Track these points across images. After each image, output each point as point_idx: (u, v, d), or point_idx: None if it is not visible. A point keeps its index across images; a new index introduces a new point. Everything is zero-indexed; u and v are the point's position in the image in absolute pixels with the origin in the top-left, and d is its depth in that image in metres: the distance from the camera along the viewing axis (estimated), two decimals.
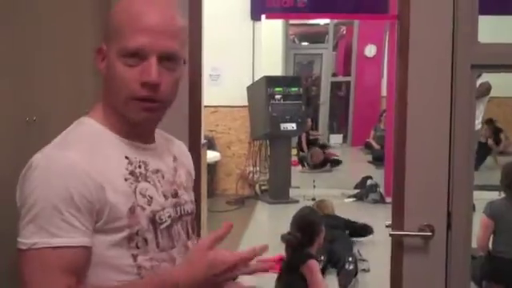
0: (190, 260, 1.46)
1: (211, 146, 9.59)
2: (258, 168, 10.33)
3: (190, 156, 1.87)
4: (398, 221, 2.41)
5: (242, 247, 7.02)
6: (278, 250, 6.49)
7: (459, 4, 2.31)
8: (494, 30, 4.67)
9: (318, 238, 4.31)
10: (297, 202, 9.05)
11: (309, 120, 13.34)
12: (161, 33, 1.51)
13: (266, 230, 8.78)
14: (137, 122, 1.56)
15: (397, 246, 2.42)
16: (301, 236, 4.24)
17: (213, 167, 9.62)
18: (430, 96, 2.36)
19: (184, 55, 1.59)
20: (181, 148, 1.84)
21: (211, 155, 9.01)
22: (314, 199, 8.76)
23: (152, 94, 1.51)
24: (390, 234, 2.43)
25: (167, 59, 1.53)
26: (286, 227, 7.75)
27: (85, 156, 1.48)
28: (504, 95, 11.71)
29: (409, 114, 2.37)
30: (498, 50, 2.41)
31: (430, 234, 2.36)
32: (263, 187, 10.11)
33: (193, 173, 1.86)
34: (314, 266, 4.12)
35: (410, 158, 2.38)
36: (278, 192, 9.51)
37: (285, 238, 4.36)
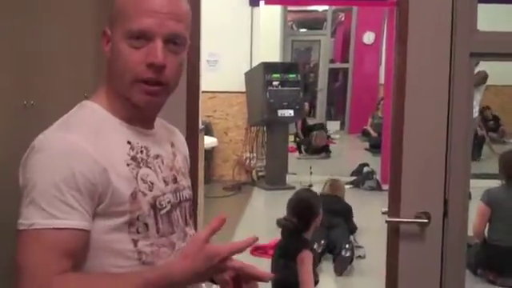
0: (188, 254, 1.46)
1: (208, 131, 9.58)
2: (254, 154, 10.34)
3: (185, 143, 1.87)
4: (394, 208, 2.41)
5: (239, 233, 7.05)
6: (274, 236, 6.53)
7: None
8: (493, 18, 4.68)
9: (315, 222, 4.27)
10: (293, 188, 9.04)
11: (306, 104, 13.36)
12: (167, 15, 1.51)
13: (263, 216, 8.79)
14: (141, 105, 1.55)
15: (393, 233, 2.43)
16: (297, 220, 4.20)
17: (210, 153, 9.62)
18: (428, 83, 2.36)
19: (188, 39, 1.59)
20: (177, 134, 1.84)
21: (208, 141, 9.01)
22: (310, 185, 8.77)
23: (157, 76, 1.51)
24: (387, 221, 2.44)
25: (173, 42, 1.53)
26: (282, 213, 7.78)
27: (88, 139, 1.47)
28: (501, 83, 11.73)
29: (407, 102, 2.37)
30: (497, 39, 2.40)
31: (426, 221, 2.37)
32: (260, 173, 10.12)
33: (188, 160, 1.86)
34: (307, 257, 4.08)
35: (407, 146, 2.38)
36: (274, 178, 9.52)
37: (281, 223, 4.32)
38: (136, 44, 1.50)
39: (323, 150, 12.41)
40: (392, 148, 2.43)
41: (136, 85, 1.51)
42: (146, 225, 1.53)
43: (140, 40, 1.50)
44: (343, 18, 17.47)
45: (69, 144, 1.45)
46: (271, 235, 6.62)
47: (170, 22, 1.51)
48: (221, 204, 8.67)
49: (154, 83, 1.52)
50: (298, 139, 12.66)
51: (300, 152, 12.36)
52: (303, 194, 4.68)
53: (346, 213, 6.67)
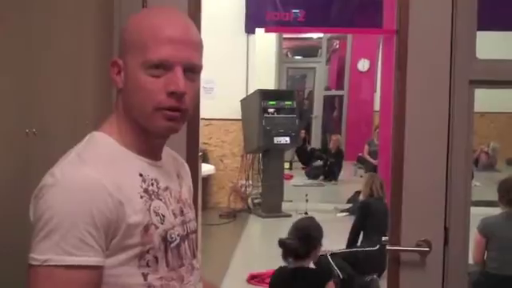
0: None
1: (205, 159, 9.59)
2: (250, 181, 10.34)
3: (189, 173, 1.86)
4: (394, 236, 2.40)
5: (234, 261, 7.01)
6: (270, 265, 6.49)
7: (458, 19, 2.32)
8: (492, 45, 4.70)
9: (315, 251, 4.27)
10: (289, 216, 9.04)
11: (302, 132, 13.45)
12: (185, 44, 1.52)
13: (259, 243, 8.78)
14: (162, 131, 1.55)
15: (394, 261, 2.41)
16: (299, 245, 4.19)
17: (206, 180, 9.61)
18: (427, 111, 2.36)
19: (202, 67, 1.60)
20: (183, 164, 1.83)
21: (205, 168, 9.01)
22: (306, 213, 8.74)
23: (178, 103, 1.51)
24: (387, 249, 2.43)
25: (190, 70, 1.53)
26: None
27: (103, 172, 1.45)
28: (497, 110, 11.79)
29: (406, 129, 2.37)
30: (496, 66, 2.41)
31: (427, 249, 2.35)
32: (256, 201, 10.11)
33: (192, 190, 1.85)
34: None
35: (407, 173, 2.38)
36: (270, 206, 9.50)
37: (283, 243, 4.30)
38: (155, 73, 1.50)
39: (337, 155, 12.52)
40: (392, 176, 2.42)
41: (158, 112, 1.51)
42: (156, 258, 1.51)
43: (159, 69, 1.50)
44: (338, 46, 17.58)
45: (85, 178, 1.43)
46: (268, 263, 6.60)
47: (188, 51, 1.52)
48: (217, 231, 8.65)
49: (175, 110, 1.52)
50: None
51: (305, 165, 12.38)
52: (306, 224, 4.66)
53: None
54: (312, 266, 4.28)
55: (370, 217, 6.36)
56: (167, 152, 1.71)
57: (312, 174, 13.06)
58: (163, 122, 1.52)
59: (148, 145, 1.59)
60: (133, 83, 1.52)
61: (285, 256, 4.28)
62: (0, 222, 1.66)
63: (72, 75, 2.06)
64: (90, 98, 2.07)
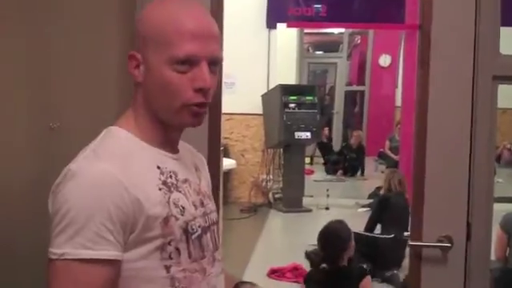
0: None
1: (226, 153, 9.60)
2: (271, 176, 10.34)
3: (206, 166, 1.87)
4: (416, 231, 2.39)
5: (255, 255, 7.03)
6: (290, 259, 6.51)
7: (481, 15, 2.31)
8: None
9: (347, 252, 4.30)
10: (310, 210, 9.05)
11: (326, 129, 13.49)
12: (208, 38, 1.52)
13: (280, 238, 8.78)
14: (186, 126, 1.57)
15: (415, 257, 2.40)
16: (330, 251, 4.24)
17: (227, 175, 9.63)
18: (450, 107, 2.35)
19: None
20: (200, 158, 1.84)
21: (226, 163, 9.02)
22: (327, 208, 8.74)
23: (205, 99, 1.52)
24: (409, 245, 2.42)
25: (213, 63, 1.53)
26: (299, 236, 7.78)
27: (119, 167, 1.46)
28: None
29: (429, 125, 2.35)
30: None
31: (448, 245, 2.34)
32: (276, 195, 10.11)
33: (210, 183, 1.85)
34: (368, 283, 4.15)
35: (430, 169, 2.37)
36: (291, 200, 9.51)
37: (310, 257, 4.38)
38: (181, 69, 1.49)
39: (359, 151, 12.56)
40: (414, 171, 2.41)
41: (185, 109, 1.51)
42: (178, 250, 1.52)
43: (185, 65, 1.50)
44: (359, 41, 17.51)
45: (101, 173, 1.43)
46: (288, 258, 6.62)
47: (212, 45, 1.52)
48: (237, 226, 8.66)
49: (202, 105, 1.53)
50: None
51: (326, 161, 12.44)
52: (333, 226, 4.68)
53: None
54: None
55: (387, 210, 6.45)
56: (183, 145, 1.71)
57: (330, 169, 13.08)
58: (190, 118, 1.53)
59: (166, 138, 1.59)
60: (157, 79, 1.52)
61: (314, 265, 4.35)
62: (24, 214, 1.68)
63: (94, 70, 2.07)
64: (112, 92, 2.08)
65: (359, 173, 13.00)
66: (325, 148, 13.83)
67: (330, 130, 15.83)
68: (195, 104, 1.51)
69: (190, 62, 1.50)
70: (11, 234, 1.67)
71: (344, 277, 4.21)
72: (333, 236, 4.37)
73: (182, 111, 1.52)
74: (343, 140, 15.64)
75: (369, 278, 4.20)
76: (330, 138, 14.02)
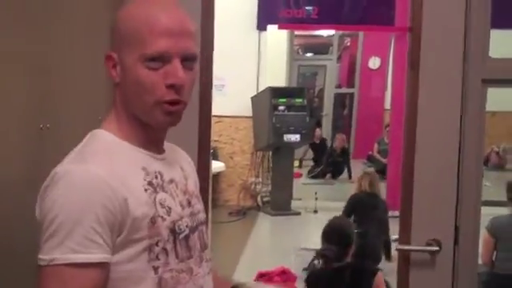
0: None
1: (214, 156, 9.58)
2: (260, 179, 10.33)
3: (193, 166, 1.86)
4: (404, 235, 2.40)
5: (244, 259, 7.02)
6: (279, 263, 6.50)
7: (471, 18, 2.31)
8: (505, 44, 4.67)
9: (350, 249, 4.33)
10: (298, 214, 9.05)
11: (318, 130, 13.51)
12: (180, 34, 1.51)
13: (268, 241, 8.77)
14: (163, 126, 1.56)
15: (403, 261, 2.41)
16: (336, 249, 4.25)
17: (215, 177, 9.62)
18: (440, 110, 2.35)
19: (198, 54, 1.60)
20: (185, 157, 1.83)
21: (215, 165, 9.00)
22: (315, 211, 8.74)
23: (178, 96, 1.51)
24: (397, 249, 2.42)
25: (188, 59, 1.52)
26: (287, 239, 7.78)
27: (105, 169, 1.45)
28: (509, 109, 11.70)
29: (418, 128, 2.36)
30: (510, 65, 2.40)
31: (437, 248, 2.35)
32: (265, 198, 10.11)
33: (198, 183, 1.84)
34: (381, 279, 4.17)
35: (418, 172, 2.37)
36: (279, 204, 9.51)
37: (320, 253, 4.38)
38: (153, 66, 1.49)
39: (343, 154, 12.66)
40: (403, 175, 2.41)
41: (158, 106, 1.51)
42: (166, 250, 1.51)
43: (157, 62, 1.49)
44: (349, 43, 17.53)
45: (88, 175, 1.43)
46: (276, 261, 6.61)
47: (185, 41, 1.51)
48: (226, 229, 8.65)
49: (175, 103, 1.52)
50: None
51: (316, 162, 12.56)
52: (338, 223, 4.72)
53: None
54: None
55: (357, 209, 6.63)
56: (168, 145, 1.70)
57: (319, 173, 13.10)
58: (164, 116, 1.52)
59: (149, 138, 1.59)
60: (131, 77, 1.51)
61: (326, 263, 4.34)
62: (14, 217, 1.67)
63: (85, 71, 2.07)
64: (102, 92, 2.07)
65: (347, 176, 13.00)
66: (317, 149, 13.80)
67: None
68: (168, 101, 1.50)
69: (162, 59, 1.49)
70: (1, 237, 1.65)
71: (357, 273, 4.23)
72: (339, 232, 4.40)
73: (156, 109, 1.51)
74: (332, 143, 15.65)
75: (381, 273, 4.21)
76: (322, 139, 13.96)
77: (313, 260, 6.23)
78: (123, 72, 1.53)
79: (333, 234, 4.41)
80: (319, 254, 4.38)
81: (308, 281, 4.55)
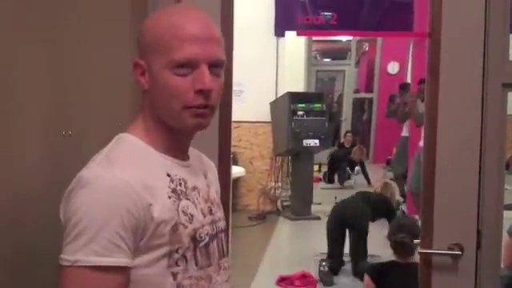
0: None
1: (234, 161, 9.59)
2: (279, 184, 10.33)
3: (216, 174, 1.88)
4: (426, 239, 2.39)
5: (264, 263, 7.02)
6: (299, 267, 6.50)
7: (491, 22, 2.31)
8: None
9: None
10: (318, 218, 9.03)
11: (349, 135, 13.50)
12: (207, 41, 1.53)
13: (288, 246, 8.77)
14: (191, 129, 1.57)
15: (425, 265, 2.41)
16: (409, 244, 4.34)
17: (235, 182, 9.63)
18: (460, 114, 2.35)
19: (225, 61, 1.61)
20: (210, 165, 1.84)
21: (235, 170, 9.01)
22: None
23: (205, 100, 1.53)
24: (419, 253, 2.42)
25: (215, 65, 1.54)
26: (308, 244, 7.77)
27: (130, 173, 1.47)
28: None
29: (439, 132, 2.36)
30: None
31: (459, 252, 2.34)
32: (285, 203, 10.10)
33: (219, 191, 1.86)
34: None
35: (440, 176, 2.37)
36: (299, 208, 9.50)
37: (399, 241, 4.45)
38: (181, 72, 1.51)
39: (361, 165, 12.79)
40: (424, 179, 2.41)
41: (186, 111, 1.53)
42: (185, 257, 1.53)
43: (185, 68, 1.51)
44: (367, 48, 17.52)
45: (113, 179, 1.44)
46: (297, 266, 6.61)
47: (212, 47, 1.53)
48: (246, 234, 8.65)
49: (203, 107, 1.54)
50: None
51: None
52: (411, 219, 4.84)
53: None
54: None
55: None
56: (194, 152, 1.72)
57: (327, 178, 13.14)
58: (192, 119, 1.53)
59: (175, 144, 1.61)
60: (159, 84, 1.53)
61: (404, 254, 4.39)
62: (37, 222, 1.69)
63: (107, 77, 2.09)
64: (124, 99, 2.10)
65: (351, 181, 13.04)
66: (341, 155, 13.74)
67: (339, 137, 15.79)
68: (196, 106, 1.52)
69: (190, 65, 1.51)
70: (26, 242, 1.67)
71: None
72: (414, 222, 4.50)
73: (184, 113, 1.53)
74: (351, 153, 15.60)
75: None
76: (353, 145, 13.82)
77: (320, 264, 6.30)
78: (151, 79, 1.55)
79: (410, 224, 4.55)
80: (395, 242, 4.47)
81: (374, 272, 4.58)
